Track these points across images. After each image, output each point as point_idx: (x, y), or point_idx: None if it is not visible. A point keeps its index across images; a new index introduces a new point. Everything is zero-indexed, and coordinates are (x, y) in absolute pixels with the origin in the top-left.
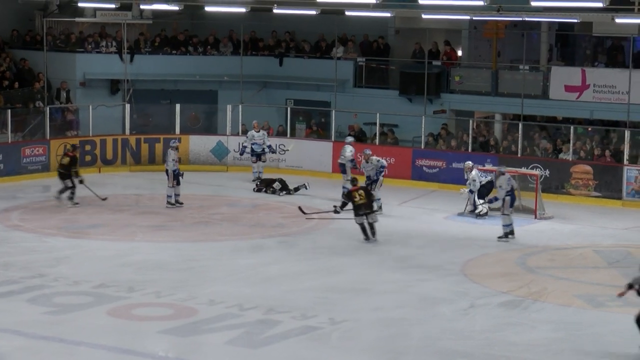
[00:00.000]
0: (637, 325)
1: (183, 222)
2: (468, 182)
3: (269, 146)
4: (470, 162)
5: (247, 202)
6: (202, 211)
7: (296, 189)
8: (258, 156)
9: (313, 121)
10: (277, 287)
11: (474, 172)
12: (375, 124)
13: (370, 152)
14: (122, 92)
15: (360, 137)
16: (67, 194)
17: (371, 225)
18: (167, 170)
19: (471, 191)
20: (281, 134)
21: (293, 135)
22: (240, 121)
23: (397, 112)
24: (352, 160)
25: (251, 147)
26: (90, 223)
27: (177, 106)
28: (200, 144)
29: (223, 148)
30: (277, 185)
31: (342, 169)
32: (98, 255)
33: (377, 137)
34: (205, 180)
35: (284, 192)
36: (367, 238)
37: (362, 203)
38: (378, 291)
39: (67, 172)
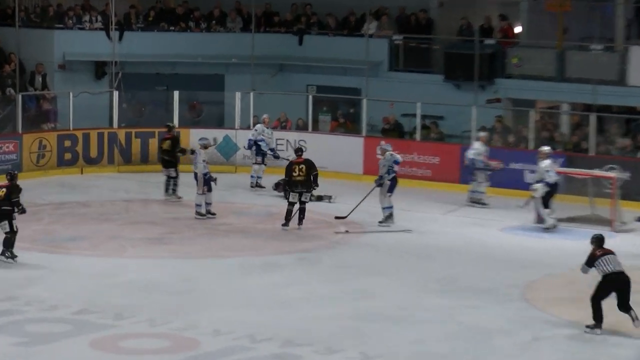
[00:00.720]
0: (591, 304)
1: (182, 235)
2: (537, 172)
3: (272, 149)
4: (548, 148)
5: (260, 209)
6: (206, 221)
7: (319, 198)
8: (263, 157)
9: (340, 112)
10: (297, 314)
11: (548, 161)
12: (415, 115)
13: (384, 144)
14: (109, 77)
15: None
16: (170, 186)
17: (301, 209)
18: (196, 174)
19: (547, 183)
20: (301, 128)
21: (315, 129)
22: (251, 112)
23: (442, 101)
24: (473, 160)
25: (256, 144)
26: (70, 235)
27: (176, 93)
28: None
29: (231, 144)
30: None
31: (469, 170)
32: (79, 274)
33: (418, 132)
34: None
35: None
36: (286, 225)
37: (300, 180)
38: (419, 320)
39: (172, 157)
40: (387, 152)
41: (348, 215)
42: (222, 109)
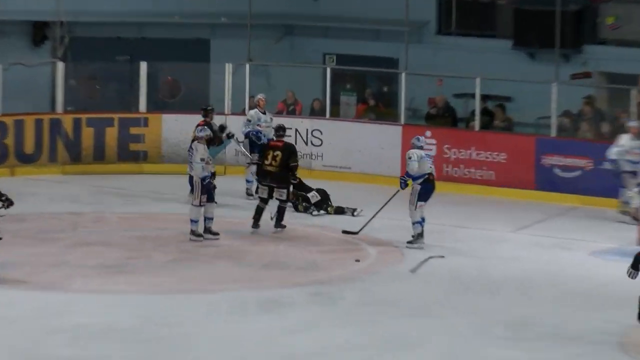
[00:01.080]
0: None
1: (151, 261)
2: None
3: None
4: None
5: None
6: (183, 242)
7: (339, 210)
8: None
9: (369, 91)
10: None
11: None
12: (473, 95)
13: (417, 139)
14: (51, 43)
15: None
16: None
17: (279, 208)
18: (191, 178)
19: None
20: (317, 112)
21: (335, 114)
22: (247, 90)
23: (510, 75)
24: (618, 161)
25: (253, 136)
26: None
27: (143, 65)
28: (180, 129)
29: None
30: (313, 195)
31: (614, 174)
32: (10, 314)
33: (477, 118)
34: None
35: (319, 211)
36: (255, 226)
37: (270, 171)
38: None
39: None
40: (407, 153)
41: (360, 230)
42: (207, 86)
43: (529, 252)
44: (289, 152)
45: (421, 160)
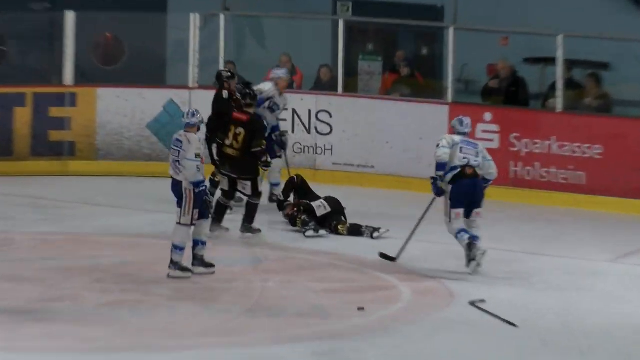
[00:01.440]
0: None
1: (82, 303)
2: None
3: (275, 129)
4: None
5: (240, 251)
6: (130, 276)
7: (354, 229)
8: (280, 146)
9: (401, 54)
10: None
11: None
12: (553, 60)
13: (460, 122)
14: None
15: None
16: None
17: (247, 205)
18: (176, 185)
19: None
20: (325, 85)
21: (352, 88)
22: (221, 53)
23: (608, 33)
24: None
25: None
26: None
27: (69, 16)
28: (124, 108)
29: (179, 119)
30: (320, 206)
31: None
32: None
33: (560, 95)
34: (136, 200)
35: (319, 231)
36: (214, 228)
37: (231, 155)
38: None
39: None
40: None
41: (399, 255)
42: (164, 47)
43: (636, 291)
44: (255, 129)
45: (454, 147)
